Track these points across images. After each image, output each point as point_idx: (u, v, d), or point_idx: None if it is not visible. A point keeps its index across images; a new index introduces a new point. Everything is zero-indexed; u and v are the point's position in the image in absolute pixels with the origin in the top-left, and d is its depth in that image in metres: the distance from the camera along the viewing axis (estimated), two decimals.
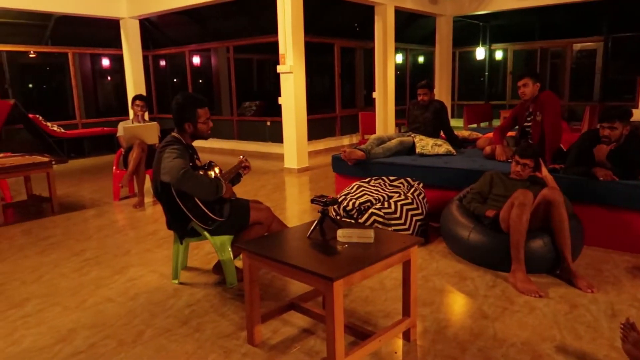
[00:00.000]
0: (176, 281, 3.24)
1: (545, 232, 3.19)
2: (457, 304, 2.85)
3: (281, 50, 6.94)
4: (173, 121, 2.97)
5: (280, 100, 7.20)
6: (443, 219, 3.71)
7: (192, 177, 2.74)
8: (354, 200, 3.91)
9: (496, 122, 11.81)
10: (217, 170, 3.02)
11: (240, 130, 9.93)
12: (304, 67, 7.02)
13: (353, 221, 3.83)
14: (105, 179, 7.09)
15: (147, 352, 2.42)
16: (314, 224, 2.46)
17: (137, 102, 5.88)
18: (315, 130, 9.38)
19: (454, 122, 13.34)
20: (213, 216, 2.89)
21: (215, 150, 10.04)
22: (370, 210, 3.78)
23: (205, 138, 3.03)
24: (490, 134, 5.36)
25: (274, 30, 7.09)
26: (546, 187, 3.21)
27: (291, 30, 6.78)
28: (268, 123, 9.34)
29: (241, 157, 3.30)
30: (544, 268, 3.19)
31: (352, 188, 4.19)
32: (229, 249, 3.01)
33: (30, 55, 10.20)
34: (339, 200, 4.00)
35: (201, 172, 2.89)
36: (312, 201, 2.45)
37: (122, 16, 9.03)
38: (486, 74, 13.33)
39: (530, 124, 4.38)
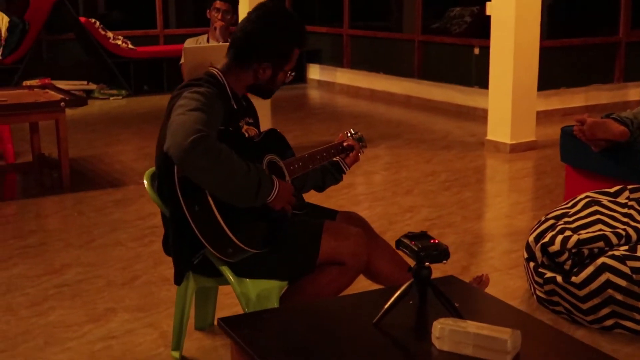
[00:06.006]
0: (177, 354, 3.16)
1: None
2: None
3: None
4: (233, 49, 3.00)
5: (489, 9, 7.03)
6: None
7: (212, 153, 2.49)
8: (570, 233, 3.51)
9: None
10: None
11: (426, 61, 9.73)
12: None
13: (559, 277, 3.47)
14: None
15: None
16: (392, 299, 2.18)
17: (217, 3, 6.02)
18: (565, 71, 8.90)
19: None
20: (237, 241, 2.65)
21: (375, 96, 9.92)
22: (602, 260, 3.38)
23: (268, 97, 3.16)
24: None
25: None
26: None
27: None
28: (476, 50, 8.96)
29: (349, 132, 3.33)
30: None
31: (573, 204, 3.83)
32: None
33: None
34: (544, 225, 3.68)
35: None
36: (398, 245, 2.25)
37: None
38: None
39: None
